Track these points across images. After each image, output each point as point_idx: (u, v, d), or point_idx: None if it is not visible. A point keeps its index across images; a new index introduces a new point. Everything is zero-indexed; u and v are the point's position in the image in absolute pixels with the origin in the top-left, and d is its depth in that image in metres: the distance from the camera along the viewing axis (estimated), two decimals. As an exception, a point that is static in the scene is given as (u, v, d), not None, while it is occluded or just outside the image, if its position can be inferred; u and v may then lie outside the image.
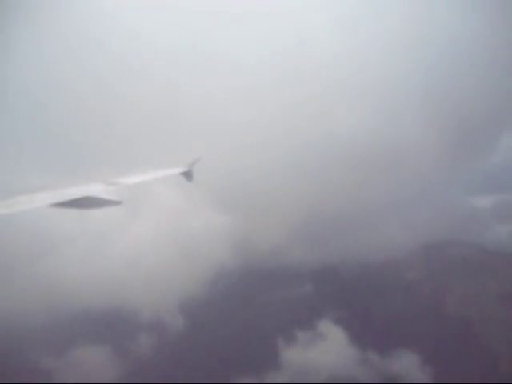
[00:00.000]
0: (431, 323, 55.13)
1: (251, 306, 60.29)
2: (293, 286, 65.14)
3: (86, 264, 63.24)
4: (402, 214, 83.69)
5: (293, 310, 59.13)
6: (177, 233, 71.47)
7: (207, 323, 57.58)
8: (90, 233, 64.11)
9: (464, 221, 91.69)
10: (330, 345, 51.35)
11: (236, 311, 60.00)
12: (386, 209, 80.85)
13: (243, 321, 58.59)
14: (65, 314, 59.56)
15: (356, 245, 75.72)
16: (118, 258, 65.54)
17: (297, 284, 65.09)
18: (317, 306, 59.30)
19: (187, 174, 15.40)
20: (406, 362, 47.28)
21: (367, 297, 61.66)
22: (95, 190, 8.24)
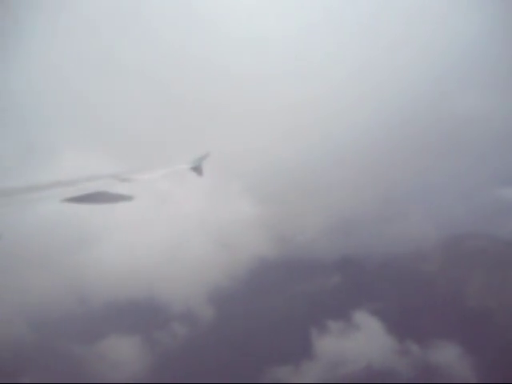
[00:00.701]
0: (465, 314, 54.43)
1: (281, 296, 60.05)
2: (319, 277, 64.68)
3: (119, 255, 63.48)
4: (428, 205, 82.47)
5: (323, 301, 58.61)
6: (208, 224, 71.26)
7: (238, 314, 57.40)
8: (122, 225, 64.48)
9: (491, 212, 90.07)
10: (365, 335, 50.87)
11: (266, 302, 59.79)
12: (412, 200, 79.63)
13: (274, 311, 58.31)
14: (97, 304, 60.02)
15: (380, 236, 75.03)
16: (150, 249, 65.57)
17: (323, 275, 64.59)
18: (348, 297, 58.71)
19: (197, 169, 15.42)
20: (446, 353, 46.67)
21: (396, 288, 61.04)
22: (107, 185, 8.23)
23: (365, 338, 50.45)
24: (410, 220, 77.98)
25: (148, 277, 59.89)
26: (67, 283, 60.28)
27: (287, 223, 75.16)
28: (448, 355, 46.26)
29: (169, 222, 71.29)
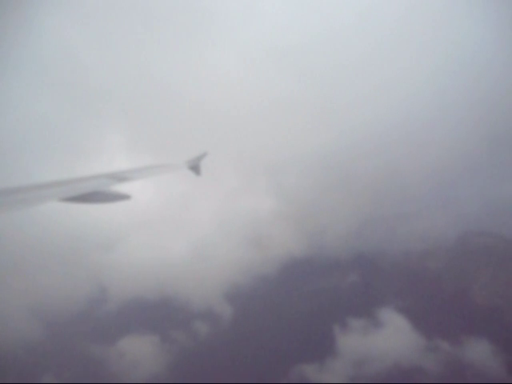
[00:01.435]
0: (491, 312, 53.21)
1: (300, 294, 59.13)
2: (337, 275, 63.73)
3: (140, 255, 63.11)
4: (442, 204, 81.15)
5: (344, 299, 57.63)
6: (231, 222, 70.72)
7: (259, 312, 56.54)
8: (144, 224, 64.42)
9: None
10: (390, 332, 49.71)
11: (285, 299, 58.90)
12: (427, 198, 78.45)
13: (293, 309, 57.43)
14: (117, 303, 59.63)
15: (394, 234, 73.96)
16: (171, 248, 65.14)
17: (340, 273, 63.65)
18: (368, 295, 57.73)
19: (195, 169, 15.27)
20: (477, 350, 45.38)
21: (415, 285, 60.03)
22: (104, 184, 7.91)
23: (390, 336, 49.29)
24: (423, 218, 76.66)
25: (169, 276, 59.41)
26: (88, 284, 60.10)
27: (307, 221, 74.44)
28: (479, 352, 44.99)
29: (191, 221, 70.81)
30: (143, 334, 57.52)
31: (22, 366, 53.11)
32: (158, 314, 58.21)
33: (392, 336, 49.21)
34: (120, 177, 8.87)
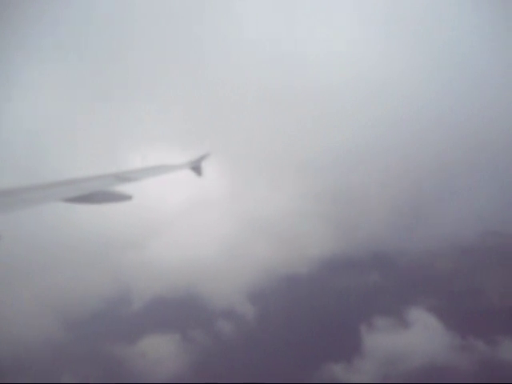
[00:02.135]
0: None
1: (324, 292, 58.72)
2: (358, 273, 63.17)
3: (167, 254, 62.95)
4: (460, 202, 80.00)
5: (368, 298, 57.11)
6: (257, 220, 70.38)
7: (283, 311, 56.17)
8: (169, 223, 64.59)
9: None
10: (420, 331, 49.05)
11: (309, 298, 58.46)
12: (444, 197, 77.54)
13: (318, 308, 56.92)
14: (141, 302, 59.55)
15: (412, 233, 73.17)
16: (195, 246, 64.90)
17: (362, 271, 63.07)
18: (393, 293, 57.12)
19: (197, 169, 15.09)
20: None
21: (440, 284, 59.33)
22: (107, 184, 8.17)
23: (419, 335, 48.59)
24: (441, 217, 75.77)
25: (193, 276, 59.17)
26: (112, 283, 60.01)
27: (333, 219, 73.83)
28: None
29: (218, 220, 70.65)
30: (165, 333, 57.15)
31: (44, 366, 53.00)
32: (180, 312, 57.85)
33: (421, 335, 48.55)
34: (123, 177, 8.85)
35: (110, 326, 58.83)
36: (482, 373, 42.35)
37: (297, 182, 77.50)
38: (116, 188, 8.44)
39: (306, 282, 61.78)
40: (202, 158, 15.65)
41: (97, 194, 7.73)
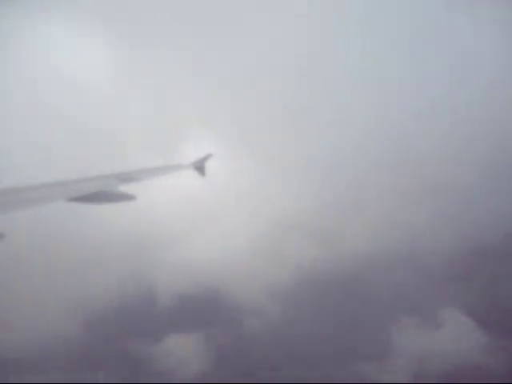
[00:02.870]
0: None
1: (354, 292, 58.55)
2: (387, 272, 62.86)
3: (195, 252, 62.89)
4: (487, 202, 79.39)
5: (396, 297, 56.96)
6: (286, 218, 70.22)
7: (310, 309, 56.07)
8: (196, 220, 64.58)
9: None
10: (452, 331, 48.85)
11: (336, 297, 58.28)
12: (476, 196, 76.82)
13: (342, 307, 56.75)
14: (164, 301, 59.48)
15: (438, 232, 72.74)
16: (221, 244, 64.85)
17: (391, 270, 62.74)
18: (421, 293, 56.97)
19: (200, 170, 15.11)
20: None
21: (469, 285, 58.99)
22: (109, 184, 8.17)
23: (451, 334, 48.39)
24: (467, 217, 75.16)
25: (221, 274, 59.08)
26: (139, 282, 60.00)
27: (366, 215, 73.50)
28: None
29: (248, 218, 70.42)
30: (190, 332, 57.11)
31: (67, 365, 53.00)
32: (206, 312, 57.82)
33: (453, 335, 48.41)
34: (126, 177, 8.86)
35: (134, 326, 58.82)
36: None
37: (327, 177, 77.02)
38: (120, 188, 8.43)
39: (336, 280, 61.41)
40: (205, 158, 15.83)
41: (100, 194, 7.68)
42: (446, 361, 45.45)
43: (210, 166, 16.74)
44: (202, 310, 58.35)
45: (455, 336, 48.34)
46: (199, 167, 15.62)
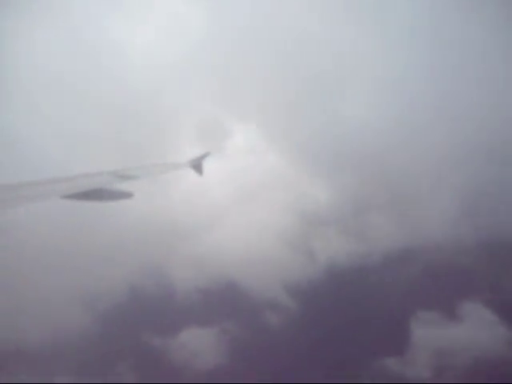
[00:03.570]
0: None
1: (369, 287, 58.48)
2: (407, 266, 62.63)
3: (213, 246, 62.68)
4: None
5: (412, 291, 56.84)
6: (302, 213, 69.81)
7: (328, 304, 55.92)
8: (213, 212, 64.25)
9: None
10: (473, 325, 48.84)
11: (348, 292, 58.18)
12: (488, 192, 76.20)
13: (359, 303, 56.63)
14: (178, 293, 59.40)
15: (453, 228, 72.41)
16: (239, 237, 64.54)
17: (411, 265, 62.49)
18: (439, 288, 56.81)
19: (197, 168, 14.89)
20: None
21: (488, 279, 58.82)
22: (106, 182, 8.06)
23: (472, 328, 48.40)
24: (481, 213, 74.74)
25: (238, 267, 58.90)
26: (155, 276, 59.82)
27: (389, 210, 73.06)
28: None
29: (267, 211, 69.93)
30: (207, 325, 57.02)
31: (83, 360, 52.93)
32: (222, 304, 57.80)
33: (475, 328, 48.55)
34: (123, 174, 8.64)
35: (151, 319, 58.81)
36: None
37: (353, 171, 76.48)
38: (117, 186, 8.32)
39: (357, 275, 61.30)
40: (203, 156, 15.76)
41: (97, 192, 7.59)
42: (468, 354, 45.51)
43: (207, 165, 16.54)
44: (221, 303, 58.32)
45: (477, 330, 48.36)
46: (196, 166, 15.45)
